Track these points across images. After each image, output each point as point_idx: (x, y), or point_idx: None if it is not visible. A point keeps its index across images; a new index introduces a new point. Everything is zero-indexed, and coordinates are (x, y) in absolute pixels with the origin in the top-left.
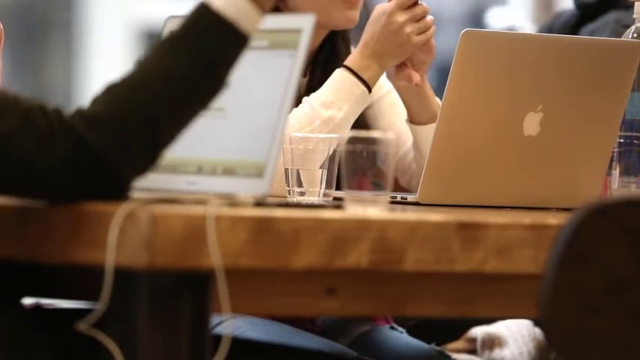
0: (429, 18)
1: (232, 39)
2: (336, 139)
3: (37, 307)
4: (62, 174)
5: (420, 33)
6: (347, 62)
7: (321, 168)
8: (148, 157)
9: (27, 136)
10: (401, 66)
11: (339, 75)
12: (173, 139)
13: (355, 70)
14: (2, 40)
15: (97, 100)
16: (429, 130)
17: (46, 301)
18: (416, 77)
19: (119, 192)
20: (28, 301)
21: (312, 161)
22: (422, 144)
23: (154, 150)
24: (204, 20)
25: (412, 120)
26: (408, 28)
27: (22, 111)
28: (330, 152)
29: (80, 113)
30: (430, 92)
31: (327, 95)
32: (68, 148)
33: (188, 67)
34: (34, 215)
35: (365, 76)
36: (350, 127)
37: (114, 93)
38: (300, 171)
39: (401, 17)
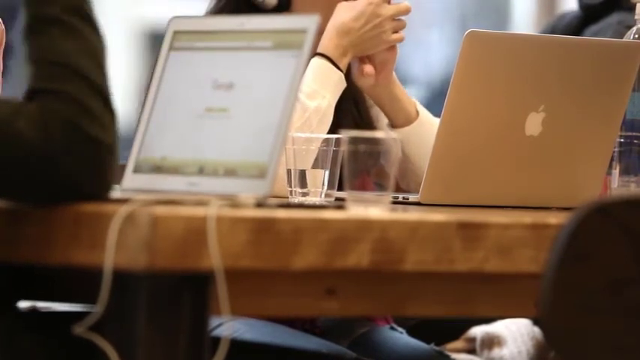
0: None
1: None
2: (338, 139)
3: (33, 311)
4: (61, 160)
5: (394, 32)
6: (323, 50)
7: (323, 168)
8: (113, 120)
9: (24, 122)
10: (359, 60)
11: (317, 64)
12: (111, 89)
13: (332, 58)
14: (4, 40)
15: (44, 96)
16: (406, 133)
17: (43, 304)
18: (367, 68)
19: (113, 168)
20: (24, 304)
21: (314, 162)
22: (405, 147)
23: (113, 110)
24: None
25: (391, 124)
26: (388, 24)
27: (14, 104)
28: (332, 152)
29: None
30: (401, 93)
31: (310, 85)
32: (64, 135)
33: (73, 27)
34: (32, 217)
35: (341, 65)
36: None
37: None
38: (302, 171)
39: (386, 11)
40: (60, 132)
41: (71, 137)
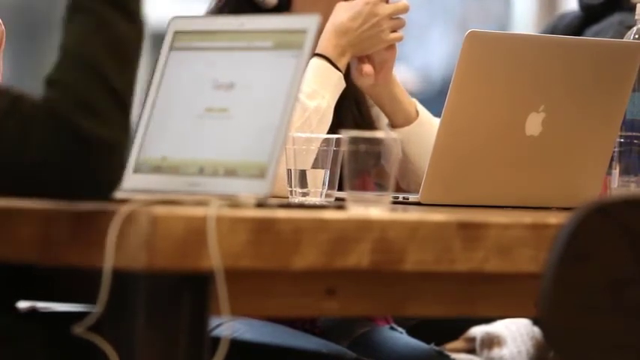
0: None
1: None
2: (338, 139)
3: (33, 311)
4: (49, 158)
5: (393, 31)
6: (322, 50)
7: (323, 168)
8: (122, 116)
9: (14, 121)
10: (359, 60)
11: (316, 65)
12: (132, 85)
13: (331, 58)
14: (4, 41)
15: (47, 88)
16: (406, 133)
17: (42, 304)
18: (366, 68)
19: (113, 167)
20: (24, 304)
21: (314, 162)
22: (405, 147)
23: (123, 106)
24: None
25: (391, 124)
26: (386, 24)
27: (10, 97)
28: (332, 152)
29: (46, 101)
30: (401, 93)
31: (310, 85)
32: (52, 132)
33: (101, 17)
34: (32, 217)
35: (340, 65)
36: (332, 114)
37: (60, 75)
38: (302, 171)
39: (383, 10)
40: (48, 131)
41: (62, 135)
